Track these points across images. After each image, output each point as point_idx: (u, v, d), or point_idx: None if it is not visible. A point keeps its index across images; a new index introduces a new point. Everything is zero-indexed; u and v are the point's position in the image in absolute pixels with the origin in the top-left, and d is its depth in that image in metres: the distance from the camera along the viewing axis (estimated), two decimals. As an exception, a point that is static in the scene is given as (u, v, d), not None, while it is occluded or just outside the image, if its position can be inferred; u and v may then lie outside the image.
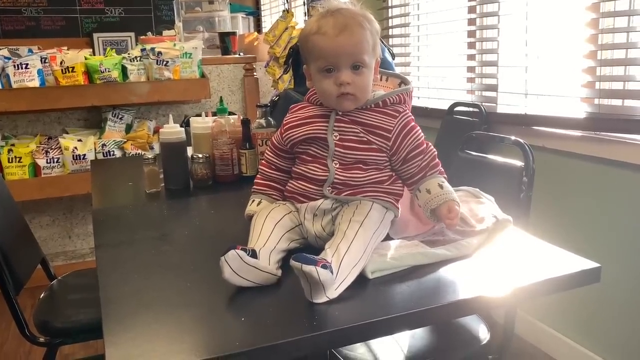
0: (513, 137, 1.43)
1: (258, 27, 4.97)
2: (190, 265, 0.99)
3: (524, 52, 2.04)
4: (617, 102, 1.73)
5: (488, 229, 1.06)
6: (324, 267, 0.78)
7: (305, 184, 1.01)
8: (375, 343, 1.27)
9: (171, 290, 0.89)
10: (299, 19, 3.45)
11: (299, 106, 1.09)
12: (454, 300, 0.85)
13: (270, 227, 0.94)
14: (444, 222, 0.99)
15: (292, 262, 0.79)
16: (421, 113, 2.62)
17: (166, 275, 0.95)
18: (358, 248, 0.89)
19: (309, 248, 1.00)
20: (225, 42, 3.22)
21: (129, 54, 2.71)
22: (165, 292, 0.89)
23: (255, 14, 4.88)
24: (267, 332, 0.76)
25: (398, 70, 2.78)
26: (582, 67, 1.81)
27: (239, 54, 3.29)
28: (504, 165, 1.41)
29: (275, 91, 3.05)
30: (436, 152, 1.03)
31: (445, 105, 2.42)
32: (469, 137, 1.55)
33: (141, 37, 3.12)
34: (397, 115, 1.01)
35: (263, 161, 1.14)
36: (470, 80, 2.34)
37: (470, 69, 2.34)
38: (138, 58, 2.67)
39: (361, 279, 0.88)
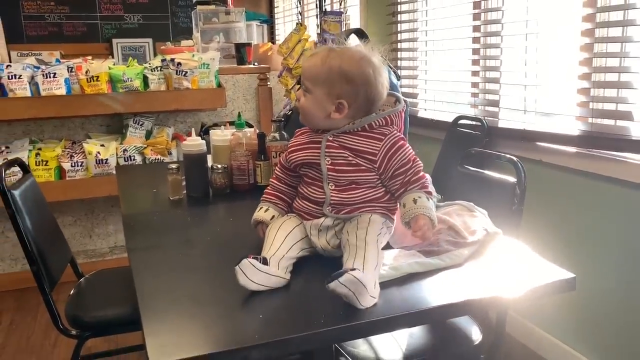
0: (508, 155, 1.55)
1: (272, 35, 5.11)
2: (212, 268, 1.12)
3: (524, 71, 2.16)
4: (609, 121, 1.84)
5: (479, 241, 1.18)
6: (353, 269, 0.91)
7: (308, 204, 1.14)
8: (376, 341, 1.40)
9: (197, 289, 1.03)
10: (312, 32, 3.59)
11: (302, 131, 1.21)
12: (445, 303, 0.97)
13: (281, 238, 1.07)
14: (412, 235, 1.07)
15: (328, 285, 0.89)
16: (427, 124, 2.75)
17: (192, 276, 1.09)
18: (372, 251, 1.01)
19: (317, 256, 1.13)
20: (240, 53, 3.36)
21: (149, 64, 2.86)
22: (192, 290, 1.02)
23: (269, 22, 5.02)
24: (281, 328, 0.89)
25: (406, 82, 2.91)
26: (577, 88, 1.92)
27: (254, 64, 3.43)
28: (499, 180, 1.53)
29: (287, 99, 3.18)
30: (421, 168, 1.12)
31: (450, 118, 2.53)
32: (468, 154, 1.67)
33: (161, 48, 3.27)
34: (383, 138, 1.11)
35: (274, 175, 1.27)
36: (474, 95, 2.46)
37: (474, 85, 2.46)
38: (158, 68, 2.82)
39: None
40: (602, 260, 1.86)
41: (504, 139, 2.25)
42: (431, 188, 1.40)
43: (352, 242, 1.04)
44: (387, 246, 1.14)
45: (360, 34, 1.71)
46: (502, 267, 1.11)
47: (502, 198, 1.49)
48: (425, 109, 2.83)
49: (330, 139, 1.13)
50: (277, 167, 1.26)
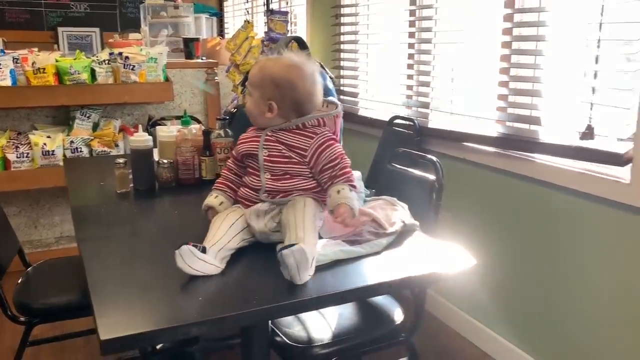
0: (429, 156, 1.72)
1: (221, 28, 5.16)
2: (158, 256, 1.24)
3: (450, 77, 2.36)
4: (524, 126, 2.05)
5: (397, 232, 1.35)
6: (292, 245, 1.05)
7: (248, 191, 1.29)
8: (308, 322, 1.55)
9: (144, 276, 1.14)
10: (261, 30, 3.69)
11: (252, 127, 1.36)
12: (365, 285, 1.13)
13: (224, 229, 1.20)
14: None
15: (280, 252, 1.03)
16: (367, 122, 2.92)
17: (139, 264, 1.20)
18: (310, 230, 1.16)
19: (255, 246, 1.26)
20: (189, 47, 3.42)
21: (97, 57, 2.89)
22: (139, 276, 1.14)
23: (219, 15, 5.07)
24: (219, 308, 1.02)
25: (348, 81, 3.07)
26: (497, 94, 2.13)
27: (202, 59, 3.50)
28: (421, 177, 1.70)
29: (234, 94, 3.28)
30: (348, 164, 1.27)
31: (386, 117, 2.71)
32: (396, 153, 1.84)
33: (109, 41, 3.29)
34: (315, 136, 1.27)
35: (226, 166, 1.40)
36: (409, 97, 2.64)
37: (409, 87, 2.64)
38: (106, 61, 2.86)
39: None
40: (515, 245, 2.08)
41: (433, 138, 2.45)
42: (359, 183, 1.58)
43: (291, 222, 1.18)
44: (318, 236, 1.29)
45: (299, 42, 1.84)
46: (414, 253, 1.28)
47: (423, 193, 1.67)
48: (365, 108, 3.00)
49: (269, 134, 1.29)
50: (229, 159, 1.41)
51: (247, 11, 3.66)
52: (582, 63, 1.77)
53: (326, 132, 1.30)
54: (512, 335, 2.14)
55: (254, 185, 1.29)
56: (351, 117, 3.06)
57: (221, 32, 5.09)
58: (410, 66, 2.61)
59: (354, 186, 1.27)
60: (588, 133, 1.71)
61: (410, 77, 2.62)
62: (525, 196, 2.02)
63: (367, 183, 2.41)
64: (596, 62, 1.71)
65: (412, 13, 2.57)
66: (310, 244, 1.12)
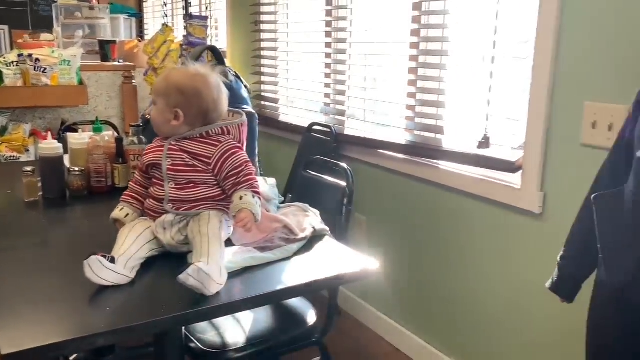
0: (341, 164, 1.81)
1: (141, 30, 5.05)
2: (66, 267, 1.23)
3: (364, 86, 2.47)
4: (430, 134, 2.18)
5: (307, 237, 1.42)
6: (199, 262, 1.08)
7: (153, 202, 1.31)
8: (223, 327, 1.58)
9: (51, 287, 1.14)
10: (179, 33, 3.66)
11: (157, 137, 1.37)
12: (273, 290, 1.18)
13: (132, 239, 1.21)
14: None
15: (178, 278, 1.05)
16: (287, 128, 2.98)
17: (47, 275, 1.19)
18: (215, 243, 1.19)
19: (166, 255, 1.28)
20: (104, 50, 3.34)
21: (4, 58, 2.77)
22: (46, 288, 1.13)
23: (138, 16, 4.96)
24: (127, 317, 1.04)
25: (269, 87, 3.11)
26: (406, 104, 2.26)
27: (119, 61, 3.42)
28: (333, 184, 1.78)
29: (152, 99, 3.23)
30: (252, 172, 1.31)
31: (306, 123, 2.78)
32: (310, 160, 1.91)
33: (18, 41, 3.15)
34: (218, 144, 1.30)
35: (133, 178, 1.41)
36: (326, 104, 2.73)
37: (327, 95, 2.73)
38: (15, 63, 2.74)
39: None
40: (423, 246, 2.21)
41: (350, 145, 2.54)
42: (273, 190, 1.63)
43: (196, 237, 1.21)
44: (230, 243, 1.33)
45: (214, 51, 1.87)
46: (322, 257, 1.35)
47: (335, 199, 1.75)
48: (286, 114, 3.06)
49: (173, 143, 1.31)
50: (137, 171, 1.41)
51: (165, 14, 3.61)
52: (479, 77, 1.92)
53: (230, 140, 1.33)
54: (423, 332, 2.27)
55: (158, 196, 1.29)
56: (272, 122, 3.11)
57: (141, 34, 4.98)
58: (327, 75, 2.70)
59: (257, 192, 1.30)
60: (484, 142, 1.86)
61: (327, 85, 2.71)
62: (431, 200, 2.15)
63: (287, 188, 2.48)
64: (490, 77, 1.86)
65: (328, 24, 2.66)
66: (214, 260, 1.14)
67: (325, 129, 2.63)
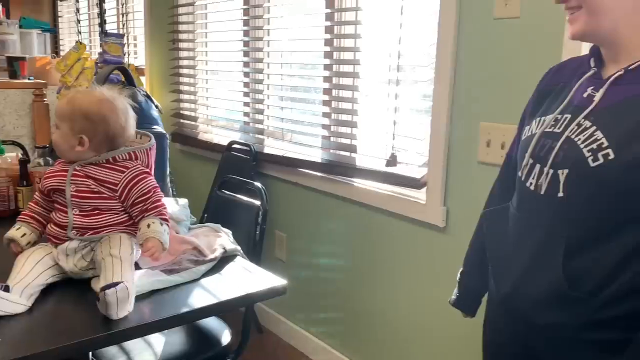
0: (256, 183, 1.83)
1: (56, 45, 4.86)
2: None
3: (282, 105, 2.52)
4: (345, 153, 2.25)
5: (217, 258, 1.42)
6: (122, 282, 1.06)
7: (55, 228, 1.27)
8: (134, 351, 1.55)
9: (-62, 320, 1.08)
10: (96, 50, 3.57)
11: (60, 160, 1.34)
12: (179, 313, 1.18)
13: (30, 266, 1.17)
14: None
15: (104, 292, 1.03)
16: (207, 146, 2.97)
17: None
18: (128, 267, 1.18)
19: (67, 281, 1.25)
20: (13, 66, 3.20)
21: None
22: None
23: (53, 31, 4.78)
24: (23, 347, 1.01)
25: (187, 105, 3.09)
26: (322, 124, 2.32)
27: (29, 79, 3.28)
28: (248, 203, 1.80)
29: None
30: (161, 197, 1.31)
31: (226, 142, 2.79)
32: (224, 180, 1.93)
33: None
34: (125, 170, 1.29)
35: (33, 199, 1.36)
36: (246, 123, 2.75)
37: (246, 114, 2.75)
38: None
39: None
40: (341, 260, 2.27)
41: (269, 163, 2.58)
42: (185, 211, 1.62)
43: (106, 259, 1.19)
44: (137, 267, 1.32)
45: (123, 71, 1.85)
46: (232, 278, 1.37)
47: (250, 218, 1.77)
48: (206, 132, 3.05)
49: (78, 168, 1.28)
50: (36, 192, 1.37)
51: (80, 31, 3.51)
52: (385, 99, 2.02)
53: (137, 166, 1.31)
54: (342, 346, 2.32)
55: (61, 222, 1.26)
56: (191, 141, 3.09)
57: (56, 49, 4.80)
58: (246, 94, 2.73)
59: (165, 220, 1.30)
60: (392, 160, 1.95)
61: (246, 104, 2.74)
62: (347, 216, 2.22)
63: (205, 208, 2.47)
64: (395, 98, 1.96)
65: (245, 43, 2.69)
66: (129, 281, 1.14)
67: (244, 148, 2.65)
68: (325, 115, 2.30)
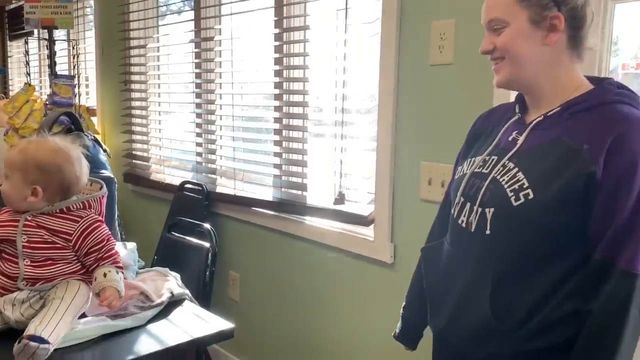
0: (205, 225, 1.85)
1: (4, 85, 4.78)
2: None
3: (234, 145, 2.56)
4: (297, 191, 2.29)
5: (164, 303, 1.42)
6: (32, 338, 1.05)
7: (3, 278, 1.25)
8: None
9: None
10: (45, 92, 3.53)
11: (6, 209, 1.32)
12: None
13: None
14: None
15: (23, 338, 1.03)
16: (158, 187, 2.95)
17: None
18: (69, 313, 1.17)
19: (10, 331, 1.22)
20: (-43, 108, 3.13)
21: None
22: None
23: (2, 71, 4.70)
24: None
25: (139, 146, 3.08)
26: (273, 163, 2.36)
27: (-26, 120, 3.22)
28: (197, 245, 1.81)
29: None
30: (114, 245, 1.32)
31: (178, 182, 2.79)
32: (173, 222, 1.93)
33: None
34: (79, 220, 1.29)
35: None
36: (199, 163, 2.77)
37: (199, 154, 2.77)
38: None
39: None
40: (290, 297, 2.28)
41: (222, 202, 2.58)
42: (133, 255, 1.62)
43: (55, 301, 1.19)
44: (83, 315, 1.30)
45: (70, 116, 1.85)
46: (179, 323, 1.36)
47: (199, 260, 1.78)
48: (158, 173, 3.04)
49: (29, 218, 1.27)
50: None
51: (28, 73, 3.48)
52: (333, 139, 2.08)
53: (92, 215, 1.32)
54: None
55: (10, 273, 1.24)
56: (144, 181, 3.07)
57: (5, 90, 4.71)
58: (198, 134, 2.75)
59: (121, 268, 1.31)
60: (339, 199, 2.00)
61: (199, 144, 2.75)
62: (298, 254, 2.24)
63: (157, 250, 2.44)
64: (342, 138, 2.03)
65: (197, 85, 2.73)
66: (58, 337, 1.13)
67: (197, 187, 2.66)
68: (276, 154, 2.34)
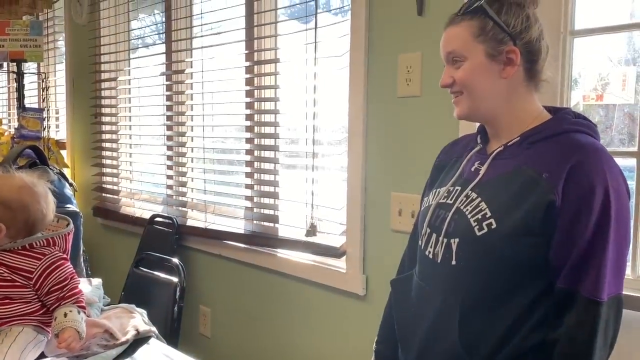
0: (174, 260, 1.81)
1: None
2: None
3: (204, 177, 2.54)
4: (269, 224, 2.28)
5: (129, 340, 1.38)
6: None
7: None
8: None
9: None
10: (13, 125, 3.48)
11: None
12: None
13: None
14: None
15: None
16: (128, 220, 2.90)
17: None
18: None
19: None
20: None
21: None
22: None
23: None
24: None
25: (109, 179, 3.04)
26: (244, 195, 2.35)
27: (-61, 154, 3.13)
28: (165, 280, 1.77)
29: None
30: (77, 284, 1.28)
31: (148, 215, 2.74)
32: (141, 257, 1.89)
33: None
34: (42, 257, 1.25)
35: None
36: (170, 196, 2.73)
37: (169, 187, 2.74)
38: None
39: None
40: (262, 330, 2.23)
41: (192, 236, 2.55)
42: (98, 292, 1.57)
43: None
44: (42, 355, 1.25)
45: (35, 150, 1.82)
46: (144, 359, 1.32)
47: (167, 295, 1.73)
48: (127, 206, 2.99)
49: None
50: None
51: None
52: (304, 171, 2.09)
53: (56, 252, 1.28)
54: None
55: None
56: (113, 215, 3.02)
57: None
58: (169, 167, 2.73)
59: (83, 307, 1.27)
60: (311, 230, 1.99)
61: (170, 177, 2.73)
62: (270, 286, 2.21)
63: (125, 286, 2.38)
64: (313, 170, 2.03)
65: (168, 118, 2.72)
66: None
67: (167, 221, 2.62)
68: (247, 186, 2.33)
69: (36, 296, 1.25)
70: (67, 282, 1.26)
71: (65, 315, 1.22)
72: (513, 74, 1.03)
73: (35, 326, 1.24)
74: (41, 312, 1.26)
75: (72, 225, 1.39)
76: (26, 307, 1.23)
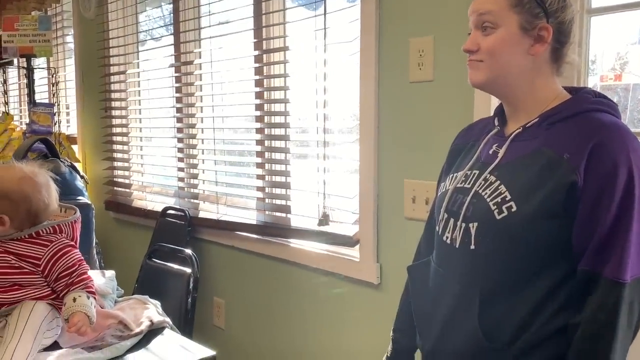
0: (186, 250, 1.80)
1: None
2: None
3: (216, 169, 2.53)
4: (281, 214, 2.26)
5: (143, 331, 1.37)
6: None
7: None
8: None
9: None
10: (25, 121, 3.49)
11: None
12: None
13: None
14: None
15: None
16: (140, 213, 2.90)
17: None
18: (25, 339, 1.12)
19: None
20: None
21: None
22: None
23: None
24: None
25: (121, 173, 3.04)
26: (256, 186, 2.33)
27: (-48, 151, 3.15)
28: (178, 271, 1.76)
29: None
30: (86, 270, 1.28)
31: (160, 208, 2.74)
32: (154, 249, 1.88)
33: None
34: (49, 244, 1.25)
35: None
36: (181, 189, 2.73)
37: (181, 179, 2.73)
38: None
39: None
40: (276, 321, 2.22)
41: (204, 228, 2.54)
42: (111, 283, 1.57)
43: (10, 330, 1.14)
44: (57, 346, 1.25)
45: (46, 143, 1.81)
46: (158, 352, 1.31)
47: (180, 287, 1.73)
48: (139, 199, 2.99)
49: None
50: None
51: (7, 102, 3.44)
52: (315, 160, 2.06)
53: (62, 239, 1.28)
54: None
55: None
56: (125, 208, 3.02)
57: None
58: (180, 159, 2.72)
59: (92, 292, 1.26)
60: (324, 220, 1.97)
61: (181, 169, 2.72)
62: (283, 276, 2.20)
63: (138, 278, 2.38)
64: (324, 158, 2.00)
65: (179, 110, 2.71)
66: (16, 356, 1.09)
67: (179, 213, 2.61)
68: (259, 177, 2.32)
69: (46, 283, 1.25)
70: (75, 268, 1.26)
71: (75, 300, 1.22)
72: (541, 52, 1.00)
73: (49, 304, 1.24)
74: (53, 296, 1.26)
75: (79, 213, 1.38)
76: (37, 292, 1.24)
